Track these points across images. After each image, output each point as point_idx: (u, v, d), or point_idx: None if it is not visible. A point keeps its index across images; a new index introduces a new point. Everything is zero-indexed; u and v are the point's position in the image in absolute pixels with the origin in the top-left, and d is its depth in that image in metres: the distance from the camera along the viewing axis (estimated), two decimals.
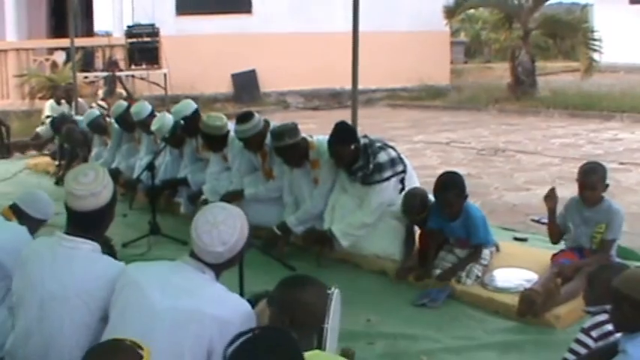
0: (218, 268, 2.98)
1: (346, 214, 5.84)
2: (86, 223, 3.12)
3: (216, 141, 6.85)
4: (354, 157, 5.71)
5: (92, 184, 3.07)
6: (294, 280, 2.98)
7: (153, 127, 7.46)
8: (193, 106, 7.24)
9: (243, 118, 6.44)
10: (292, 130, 6.00)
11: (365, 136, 5.88)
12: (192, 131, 7.17)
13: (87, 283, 3.04)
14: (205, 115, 7.18)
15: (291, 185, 6.31)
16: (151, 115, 7.87)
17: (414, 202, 5.54)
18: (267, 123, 6.50)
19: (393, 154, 5.83)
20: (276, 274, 4.94)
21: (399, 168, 5.79)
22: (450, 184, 5.31)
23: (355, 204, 5.83)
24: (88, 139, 9.25)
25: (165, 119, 7.31)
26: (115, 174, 8.33)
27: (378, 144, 5.84)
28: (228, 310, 2.84)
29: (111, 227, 3.36)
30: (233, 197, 6.56)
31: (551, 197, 5.23)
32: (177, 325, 2.76)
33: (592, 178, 4.97)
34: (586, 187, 4.98)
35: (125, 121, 8.41)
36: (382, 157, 5.72)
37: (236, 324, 2.79)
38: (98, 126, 8.94)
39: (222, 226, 2.89)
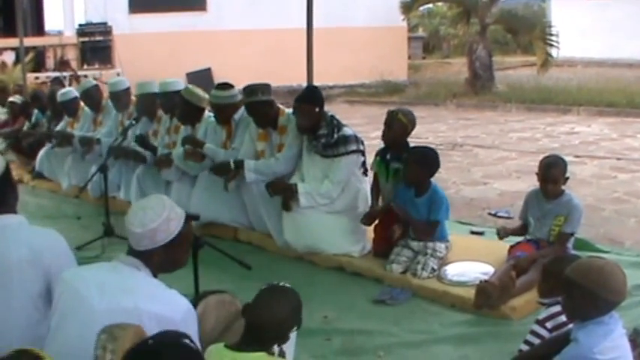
0: (149, 264, 2.92)
1: (312, 182, 5.82)
2: None
3: (192, 112, 6.76)
4: (316, 121, 5.70)
5: None
6: (269, 295, 2.93)
7: (137, 84, 7.42)
8: (181, 85, 7.16)
9: (223, 85, 6.53)
10: (265, 87, 6.05)
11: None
12: (169, 107, 7.08)
13: (23, 253, 3.13)
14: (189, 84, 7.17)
15: (247, 155, 6.28)
16: (126, 91, 7.81)
17: None
18: (241, 102, 6.46)
19: (357, 134, 5.84)
20: (231, 271, 4.89)
21: (362, 147, 5.80)
22: (420, 158, 5.37)
23: (321, 177, 5.79)
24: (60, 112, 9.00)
25: (151, 83, 7.34)
26: (68, 136, 8.31)
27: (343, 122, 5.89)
28: (167, 306, 2.79)
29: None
30: (194, 142, 6.56)
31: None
32: None
33: (554, 172, 4.97)
34: (549, 181, 4.98)
35: (91, 96, 8.25)
36: (348, 131, 5.74)
37: (176, 320, 2.76)
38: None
39: (149, 210, 2.90)
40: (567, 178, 5.06)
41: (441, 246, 5.38)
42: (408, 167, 5.39)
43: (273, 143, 6.18)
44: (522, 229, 5.36)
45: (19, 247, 3.14)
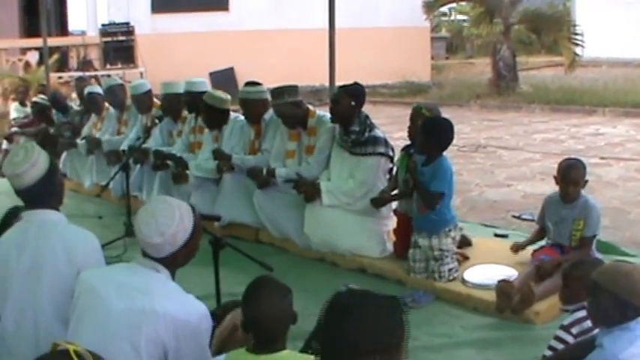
0: (169, 265, 2.90)
1: (337, 180, 5.85)
2: (36, 197, 3.31)
3: (215, 115, 6.74)
4: (349, 113, 5.68)
5: (23, 162, 3.26)
6: (251, 289, 2.87)
7: (162, 84, 7.43)
8: (206, 86, 7.18)
9: (252, 82, 6.60)
10: (292, 89, 6.06)
11: None
12: (194, 107, 7.08)
13: (57, 249, 3.17)
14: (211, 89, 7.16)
15: (278, 154, 6.31)
16: (148, 93, 7.78)
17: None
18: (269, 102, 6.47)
19: (388, 139, 5.86)
20: (252, 273, 4.83)
21: (391, 152, 5.80)
22: (429, 127, 5.26)
23: (347, 175, 5.81)
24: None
25: (176, 83, 7.34)
26: (97, 142, 8.26)
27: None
28: (183, 309, 2.78)
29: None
30: (220, 155, 6.55)
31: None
32: (132, 327, 2.72)
33: (575, 174, 4.92)
34: (569, 184, 4.92)
35: (115, 94, 8.23)
36: (379, 132, 5.76)
37: (192, 323, 2.76)
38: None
39: (160, 217, 2.83)
40: (587, 182, 5.00)
41: (446, 242, 5.20)
42: (419, 134, 5.31)
43: (303, 144, 6.20)
44: (540, 234, 5.32)
45: (54, 242, 3.18)
